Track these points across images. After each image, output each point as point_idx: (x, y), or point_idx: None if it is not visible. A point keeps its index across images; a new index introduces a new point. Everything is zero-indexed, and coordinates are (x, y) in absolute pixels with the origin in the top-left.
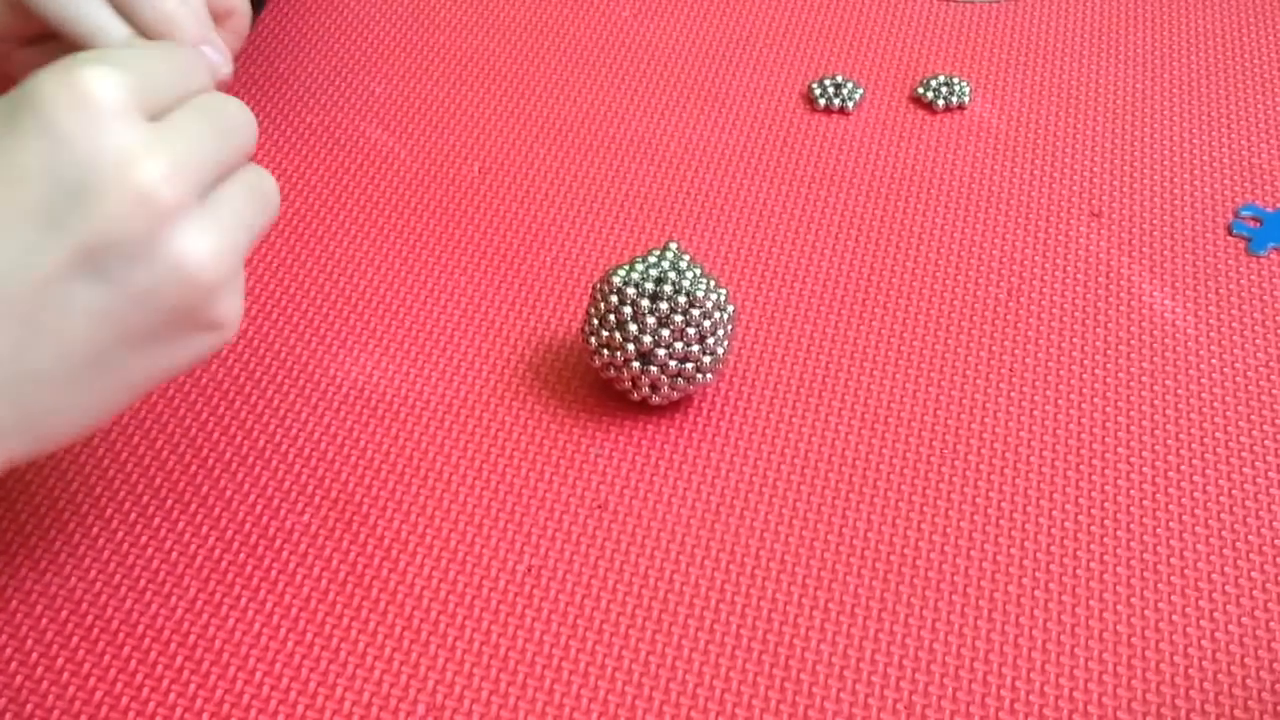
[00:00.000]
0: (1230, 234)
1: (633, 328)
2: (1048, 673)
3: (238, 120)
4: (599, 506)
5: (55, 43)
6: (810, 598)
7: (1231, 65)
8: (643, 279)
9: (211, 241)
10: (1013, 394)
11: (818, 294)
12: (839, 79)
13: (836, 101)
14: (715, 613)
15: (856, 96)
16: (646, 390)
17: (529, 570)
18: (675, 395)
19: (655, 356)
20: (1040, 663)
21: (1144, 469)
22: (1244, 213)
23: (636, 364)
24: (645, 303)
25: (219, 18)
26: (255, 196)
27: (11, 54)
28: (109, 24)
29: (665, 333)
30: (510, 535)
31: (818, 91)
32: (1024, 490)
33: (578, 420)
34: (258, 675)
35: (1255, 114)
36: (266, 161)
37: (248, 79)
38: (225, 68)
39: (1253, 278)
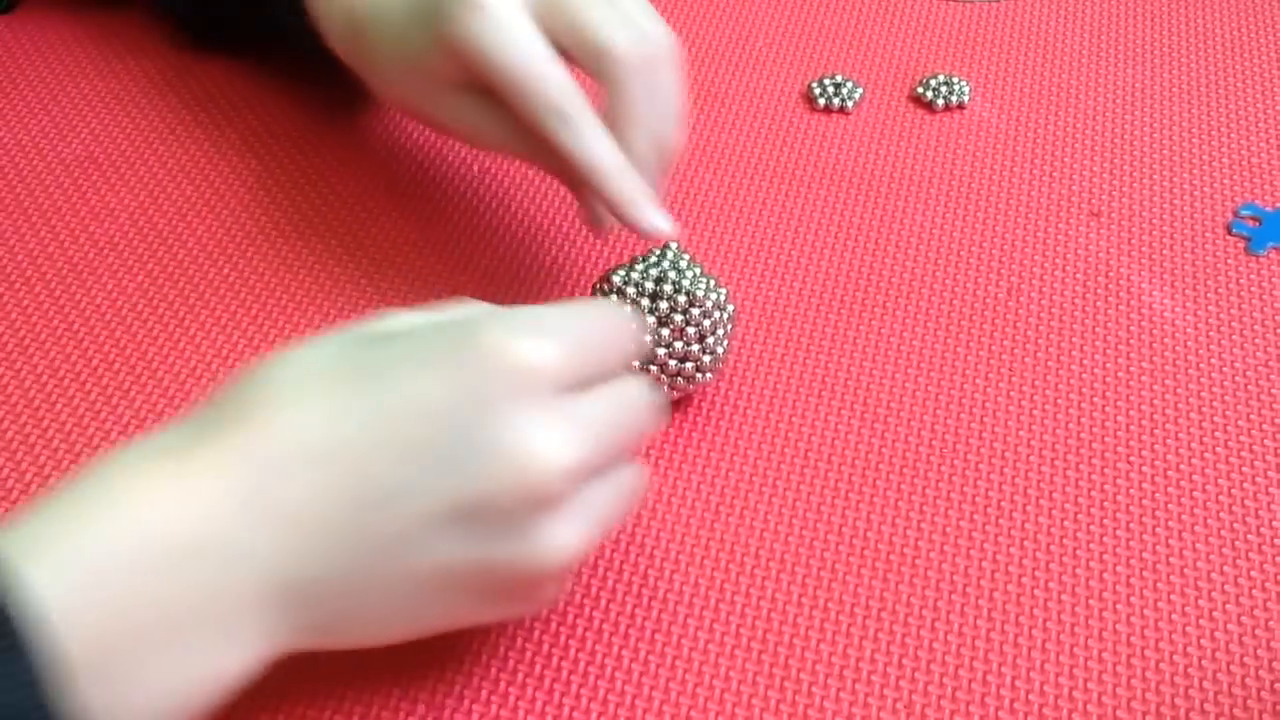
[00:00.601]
0: (1230, 233)
1: None
2: (1047, 672)
3: (642, 417)
4: None
5: (488, 96)
6: (810, 597)
7: (1231, 65)
8: (642, 279)
9: (575, 536)
10: (1012, 393)
11: (817, 293)
12: (839, 79)
13: (836, 101)
14: (715, 612)
15: (856, 96)
16: None
17: None
18: (675, 395)
19: (655, 356)
20: (1040, 662)
21: (1143, 468)
22: (1243, 212)
23: (636, 363)
24: (645, 302)
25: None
26: (623, 497)
27: (440, 96)
28: (605, 154)
29: (665, 332)
30: None
31: (818, 91)
32: (1023, 489)
33: None
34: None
35: (1255, 114)
36: (269, 158)
37: (251, 78)
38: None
39: (1252, 277)
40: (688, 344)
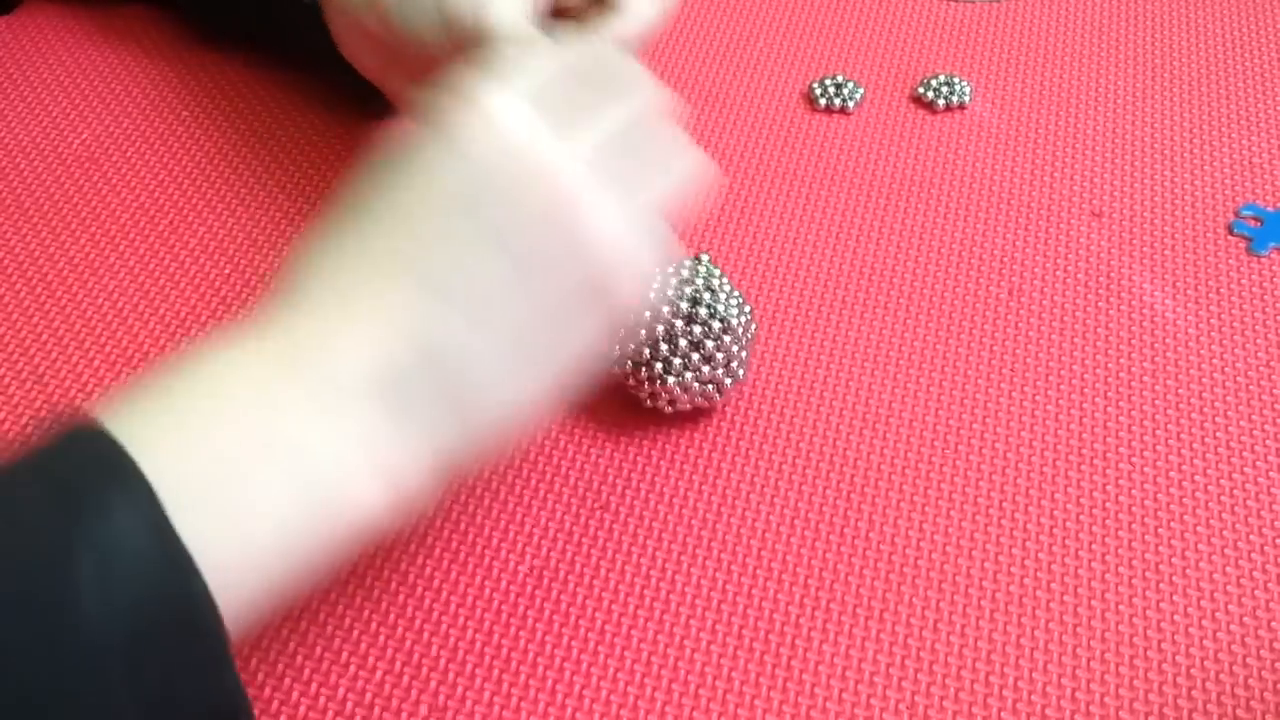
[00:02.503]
0: (1231, 234)
1: (664, 348)
2: (1050, 673)
3: (643, 97)
4: (601, 507)
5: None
6: (812, 598)
7: (1231, 65)
8: (678, 298)
9: (613, 219)
10: (1013, 394)
11: (818, 294)
12: (839, 79)
13: (837, 101)
14: (718, 613)
15: (857, 96)
16: (664, 403)
17: (531, 570)
18: (689, 408)
19: (683, 378)
20: (1042, 663)
21: (1145, 469)
22: (1244, 212)
23: (660, 381)
24: (679, 324)
25: None
26: (660, 168)
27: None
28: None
29: (695, 356)
30: (512, 535)
31: (818, 91)
32: (1025, 490)
33: (580, 420)
34: (259, 675)
35: (1256, 113)
36: (269, 157)
37: (252, 77)
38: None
39: (1254, 278)
40: (714, 367)
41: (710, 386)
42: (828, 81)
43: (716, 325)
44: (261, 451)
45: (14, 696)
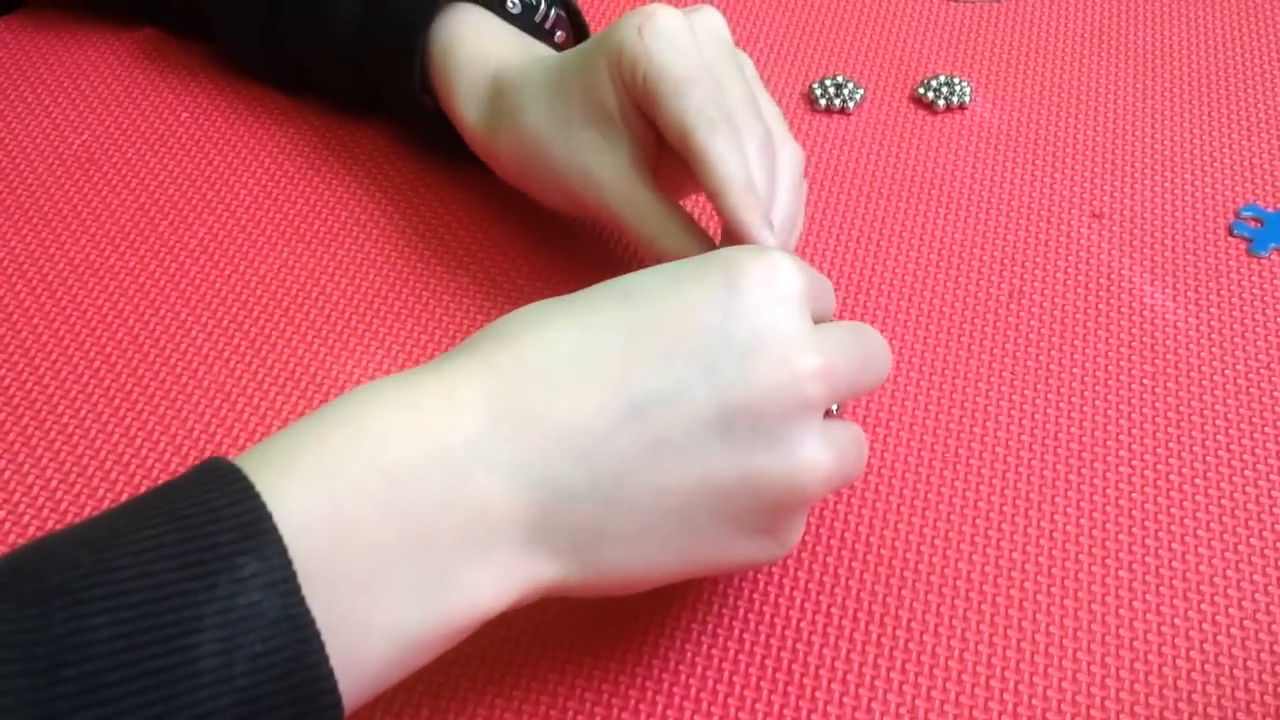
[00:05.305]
0: (1231, 234)
1: None
2: (1050, 676)
3: (880, 355)
4: None
5: (611, 134)
6: (812, 601)
7: (1232, 65)
8: None
9: (827, 453)
10: (1013, 395)
11: None
12: (839, 79)
13: (837, 101)
14: (717, 616)
15: (857, 97)
16: None
17: None
18: None
19: None
20: (1043, 666)
21: (1145, 471)
22: (1245, 213)
23: None
24: None
25: None
26: (860, 442)
27: (569, 135)
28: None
29: None
30: None
31: (818, 91)
32: (1025, 493)
33: None
34: None
35: (1256, 114)
36: (268, 158)
37: (252, 81)
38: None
39: (1253, 279)
40: None
41: None
42: (828, 81)
43: None
44: (414, 539)
45: None
